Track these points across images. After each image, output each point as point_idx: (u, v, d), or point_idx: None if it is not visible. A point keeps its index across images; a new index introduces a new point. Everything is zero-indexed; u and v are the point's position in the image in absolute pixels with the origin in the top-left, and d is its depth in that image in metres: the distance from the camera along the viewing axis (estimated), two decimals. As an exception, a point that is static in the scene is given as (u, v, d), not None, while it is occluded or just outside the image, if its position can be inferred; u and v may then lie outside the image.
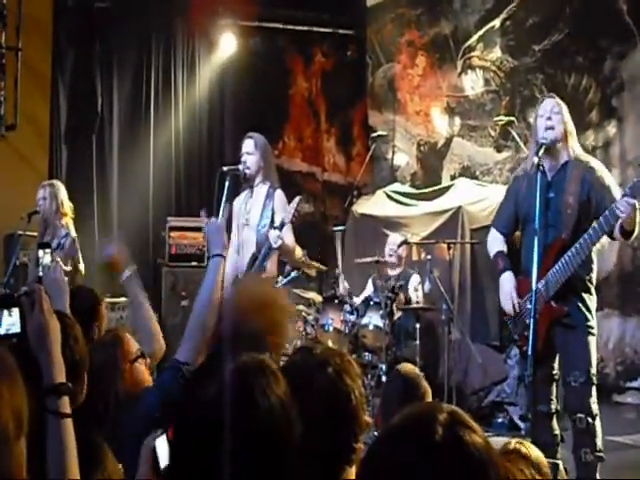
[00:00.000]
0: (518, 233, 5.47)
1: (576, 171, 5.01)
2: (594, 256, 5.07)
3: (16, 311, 2.36)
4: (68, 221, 7.65)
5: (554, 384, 5.09)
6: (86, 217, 9.75)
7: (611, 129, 9.35)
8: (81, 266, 7.45)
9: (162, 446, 2.21)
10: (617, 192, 4.96)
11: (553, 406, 5.09)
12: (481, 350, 8.65)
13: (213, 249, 3.59)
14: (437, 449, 1.42)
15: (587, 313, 5.00)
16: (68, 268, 7.07)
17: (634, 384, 8.90)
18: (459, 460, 1.41)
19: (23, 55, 9.96)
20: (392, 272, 8.69)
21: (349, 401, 2.29)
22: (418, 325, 8.01)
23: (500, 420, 7.95)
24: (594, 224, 4.77)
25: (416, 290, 8.58)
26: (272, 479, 1.78)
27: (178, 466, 1.82)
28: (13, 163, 9.99)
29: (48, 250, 3.98)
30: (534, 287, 4.73)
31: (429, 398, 3.94)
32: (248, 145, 6.59)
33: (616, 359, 9.13)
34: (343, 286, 8.89)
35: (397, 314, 8.21)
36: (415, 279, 8.63)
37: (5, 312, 2.35)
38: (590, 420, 4.86)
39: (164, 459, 2.19)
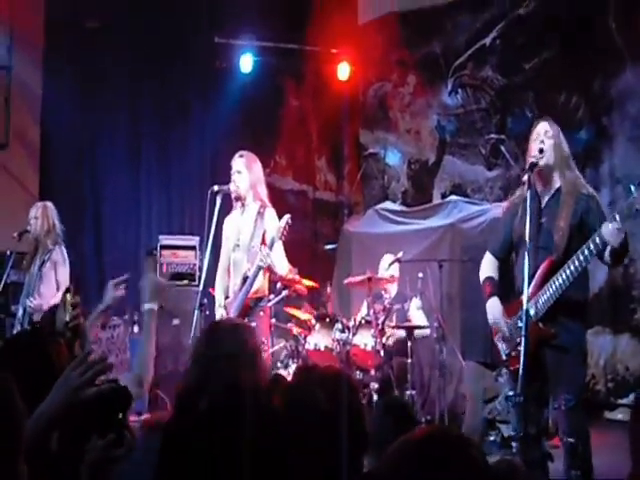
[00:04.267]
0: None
1: (569, 197, 5.01)
2: (587, 279, 5.08)
3: None
4: (59, 243, 7.69)
5: (543, 404, 5.09)
6: (77, 237, 9.73)
7: (601, 147, 9.39)
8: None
9: None
10: None
11: (541, 427, 5.09)
12: (472, 368, 8.64)
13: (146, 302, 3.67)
14: None
15: (578, 336, 5.00)
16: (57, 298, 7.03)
17: (625, 401, 8.90)
18: None
19: (14, 74, 9.97)
20: (387, 291, 8.67)
21: (354, 418, 2.30)
22: (409, 343, 8.01)
23: (492, 438, 7.92)
24: (583, 248, 4.76)
25: (421, 314, 8.56)
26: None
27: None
28: (4, 182, 9.98)
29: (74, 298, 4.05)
30: (524, 307, 4.74)
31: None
32: (239, 164, 6.61)
33: (607, 376, 9.14)
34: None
35: (388, 333, 8.21)
36: (415, 302, 8.59)
37: None
38: (581, 443, 4.86)
39: None
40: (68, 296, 3.98)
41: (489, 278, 5.36)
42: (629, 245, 4.78)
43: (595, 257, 4.84)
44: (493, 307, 5.24)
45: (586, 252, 4.73)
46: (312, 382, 2.35)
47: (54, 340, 2.88)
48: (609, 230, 4.57)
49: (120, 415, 2.31)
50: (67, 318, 3.80)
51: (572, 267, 4.79)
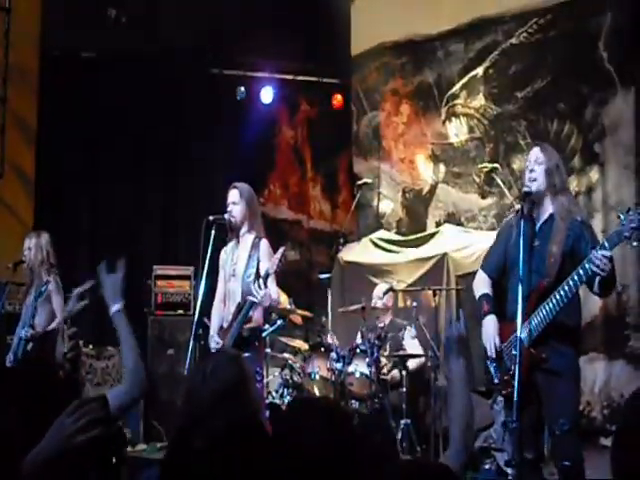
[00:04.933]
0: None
1: (562, 222, 5.03)
2: (579, 304, 5.08)
3: None
4: (53, 272, 7.67)
5: (539, 430, 5.08)
6: (72, 267, 9.72)
7: (593, 174, 9.45)
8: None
9: None
10: None
11: (539, 452, 5.08)
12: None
13: (111, 304, 3.56)
14: None
15: (570, 360, 5.00)
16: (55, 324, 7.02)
17: (621, 428, 8.87)
18: None
19: (9, 105, 10.00)
20: (381, 320, 8.68)
21: (352, 448, 2.31)
22: (404, 372, 8.01)
23: (487, 466, 7.88)
24: (572, 274, 4.76)
25: (416, 343, 8.56)
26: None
27: None
28: (-1, 212, 9.99)
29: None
30: (518, 334, 4.75)
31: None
32: (233, 195, 6.62)
33: (602, 402, 9.14)
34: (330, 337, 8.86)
35: (383, 361, 8.21)
36: (410, 331, 8.59)
37: None
38: (576, 468, 4.85)
39: None
40: (65, 327, 3.97)
41: (485, 295, 5.34)
42: (618, 272, 4.81)
43: (585, 285, 4.86)
44: (489, 325, 5.22)
45: (575, 278, 4.74)
46: (307, 413, 2.36)
47: (51, 370, 2.88)
48: (597, 257, 4.58)
49: (114, 459, 2.30)
50: (65, 349, 3.79)
51: (562, 292, 4.79)
